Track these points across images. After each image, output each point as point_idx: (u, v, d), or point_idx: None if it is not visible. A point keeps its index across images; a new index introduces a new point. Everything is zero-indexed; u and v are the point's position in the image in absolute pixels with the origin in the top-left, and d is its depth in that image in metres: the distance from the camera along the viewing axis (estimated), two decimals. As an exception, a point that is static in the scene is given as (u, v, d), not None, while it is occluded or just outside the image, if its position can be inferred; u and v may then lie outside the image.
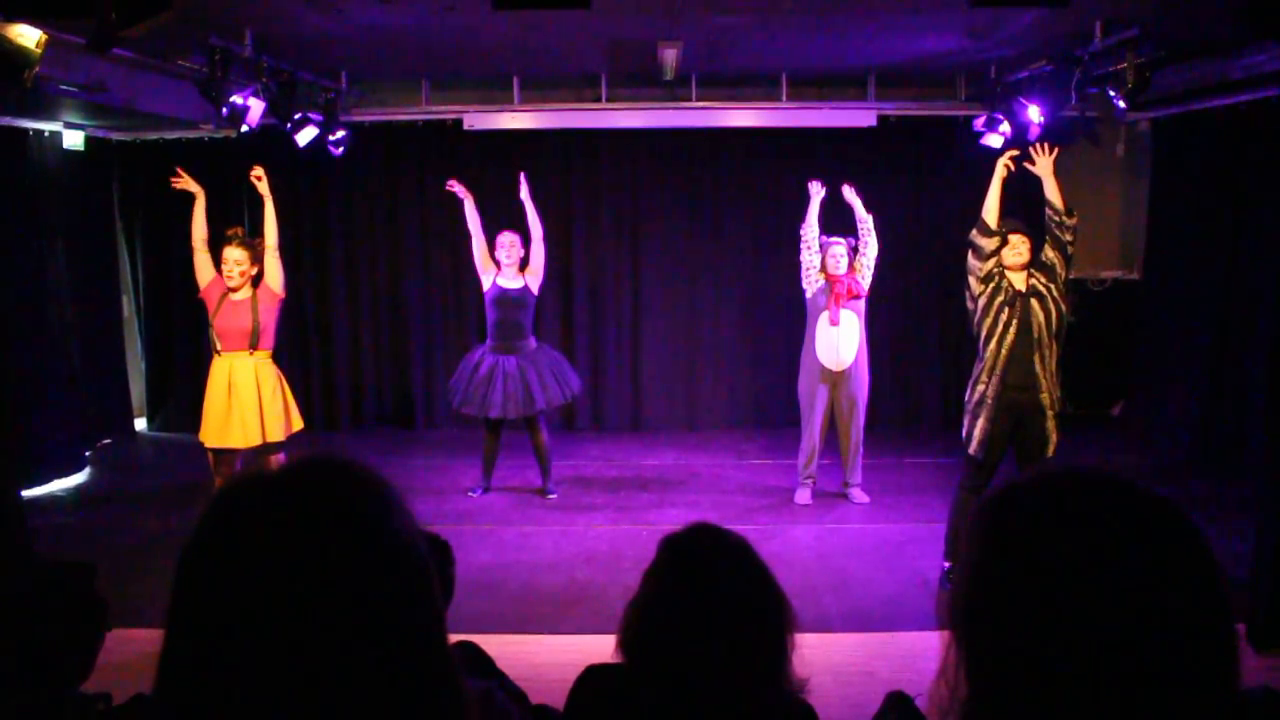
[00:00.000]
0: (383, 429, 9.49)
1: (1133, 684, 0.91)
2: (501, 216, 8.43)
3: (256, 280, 5.72)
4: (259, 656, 0.90)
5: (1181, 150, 8.31)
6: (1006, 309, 5.16)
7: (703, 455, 8.41)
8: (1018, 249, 5.20)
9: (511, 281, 6.89)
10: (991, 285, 5.22)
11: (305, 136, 7.51)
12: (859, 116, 8.68)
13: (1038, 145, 5.43)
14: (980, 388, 5.25)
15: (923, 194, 9.12)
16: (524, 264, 6.95)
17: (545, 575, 5.81)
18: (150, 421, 9.64)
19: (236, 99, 6.20)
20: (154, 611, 0.96)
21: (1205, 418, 7.84)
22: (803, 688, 1.93)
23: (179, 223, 9.14)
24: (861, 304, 6.74)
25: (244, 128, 6.50)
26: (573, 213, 9.16)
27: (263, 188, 5.93)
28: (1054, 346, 5.20)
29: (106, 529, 6.70)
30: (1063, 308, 5.19)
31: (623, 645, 1.93)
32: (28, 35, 4.45)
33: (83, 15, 4.39)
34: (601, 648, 2.05)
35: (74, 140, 8.52)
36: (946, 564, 5.53)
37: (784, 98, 8.62)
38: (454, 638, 2.30)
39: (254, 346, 5.65)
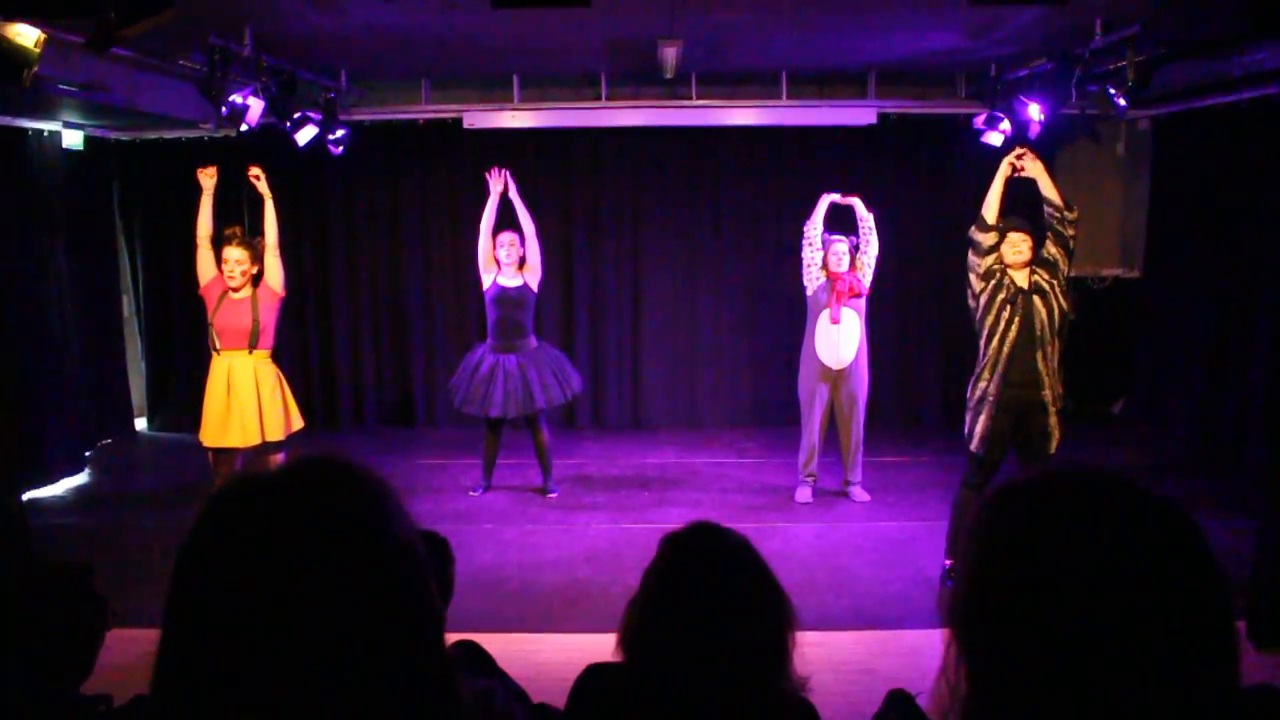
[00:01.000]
0: (383, 428, 9.49)
1: (1133, 682, 0.91)
2: (502, 216, 8.44)
3: (256, 280, 5.72)
4: (255, 656, 0.90)
5: (1182, 148, 8.31)
6: (1009, 306, 5.16)
7: (703, 453, 8.41)
8: (1018, 246, 5.19)
9: (511, 280, 6.88)
10: (993, 282, 5.21)
11: (305, 136, 7.51)
12: (859, 115, 8.68)
13: (1023, 152, 5.42)
14: (982, 385, 5.25)
15: (923, 192, 9.11)
16: (522, 262, 6.94)
17: (546, 574, 5.81)
18: (150, 421, 9.64)
19: (236, 98, 6.20)
20: (155, 612, 0.96)
21: (1205, 416, 7.85)
22: (803, 686, 1.93)
23: (179, 222, 9.19)
24: (862, 302, 6.73)
25: (244, 127, 6.50)
26: (573, 211, 9.16)
27: (261, 186, 5.93)
28: (1056, 344, 5.19)
29: (107, 529, 6.70)
30: (1064, 305, 5.19)
31: (623, 644, 1.93)
32: (27, 34, 4.44)
33: (82, 14, 4.39)
34: (602, 646, 2.05)
35: (74, 140, 8.52)
36: (948, 561, 5.53)
37: (784, 96, 8.62)
38: (455, 636, 2.30)
39: (253, 346, 5.64)
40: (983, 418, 5.23)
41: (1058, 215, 5.23)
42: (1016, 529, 1.00)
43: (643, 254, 9.30)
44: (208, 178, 5.85)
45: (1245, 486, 6.90)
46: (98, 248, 8.99)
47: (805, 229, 6.80)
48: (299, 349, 9.40)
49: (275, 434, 5.66)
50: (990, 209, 5.35)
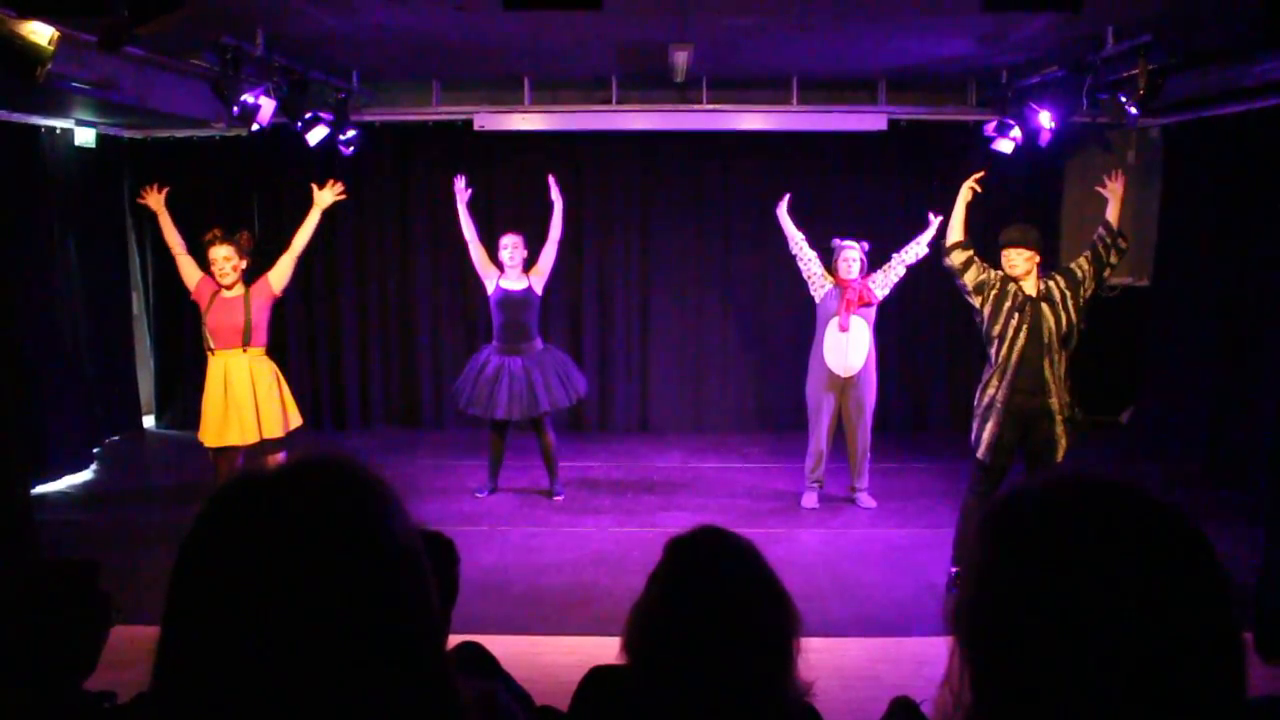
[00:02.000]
0: (390, 429, 9.50)
1: (1138, 693, 0.90)
2: (510, 217, 8.47)
3: (250, 277, 5.73)
4: (253, 655, 0.90)
5: (1193, 157, 8.29)
6: (1016, 314, 5.16)
7: (710, 458, 8.41)
8: (1012, 260, 5.21)
9: (515, 283, 6.87)
10: (993, 292, 5.22)
11: (316, 136, 7.53)
12: (869, 120, 8.67)
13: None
14: (990, 392, 5.25)
15: (933, 198, 9.05)
16: (527, 265, 6.94)
17: (551, 576, 5.81)
18: (159, 419, 9.67)
19: (248, 98, 6.21)
20: (160, 609, 0.96)
21: (1215, 425, 7.82)
22: (808, 692, 1.93)
23: (189, 221, 9.21)
24: (872, 311, 6.72)
25: (255, 127, 6.52)
26: (582, 214, 9.16)
27: (326, 197, 6.00)
28: (1063, 353, 5.19)
29: (114, 526, 6.71)
30: (1074, 317, 5.18)
31: (627, 647, 1.93)
32: (41, 32, 4.46)
33: (95, 13, 4.41)
34: (606, 649, 2.04)
35: (85, 137, 8.55)
36: (954, 569, 5.52)
37: (794, 101, 8.62)
38: (459, 638, 2.30)
39: (246, 344, 5.67)
40: (990, 425, 5.23)
41: (1108, 240, 5.24)
42: (1021, 536, 0.99)
43: (651, 257, 9.30)
44: (155, 198, 5.89)
45: (1254, 496, 6.87)
46: (108, 245, 9.02)
47: (789, 247, 6.85)
48: (307, 349, 9.43)
49: (274, 431, 5.68)
50: (954, 232, 5.44)
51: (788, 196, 7.00)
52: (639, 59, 7.39)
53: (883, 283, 6.75)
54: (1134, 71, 5.95)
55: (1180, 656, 0.91)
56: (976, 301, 5.27)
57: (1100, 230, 5.30)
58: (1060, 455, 5.21)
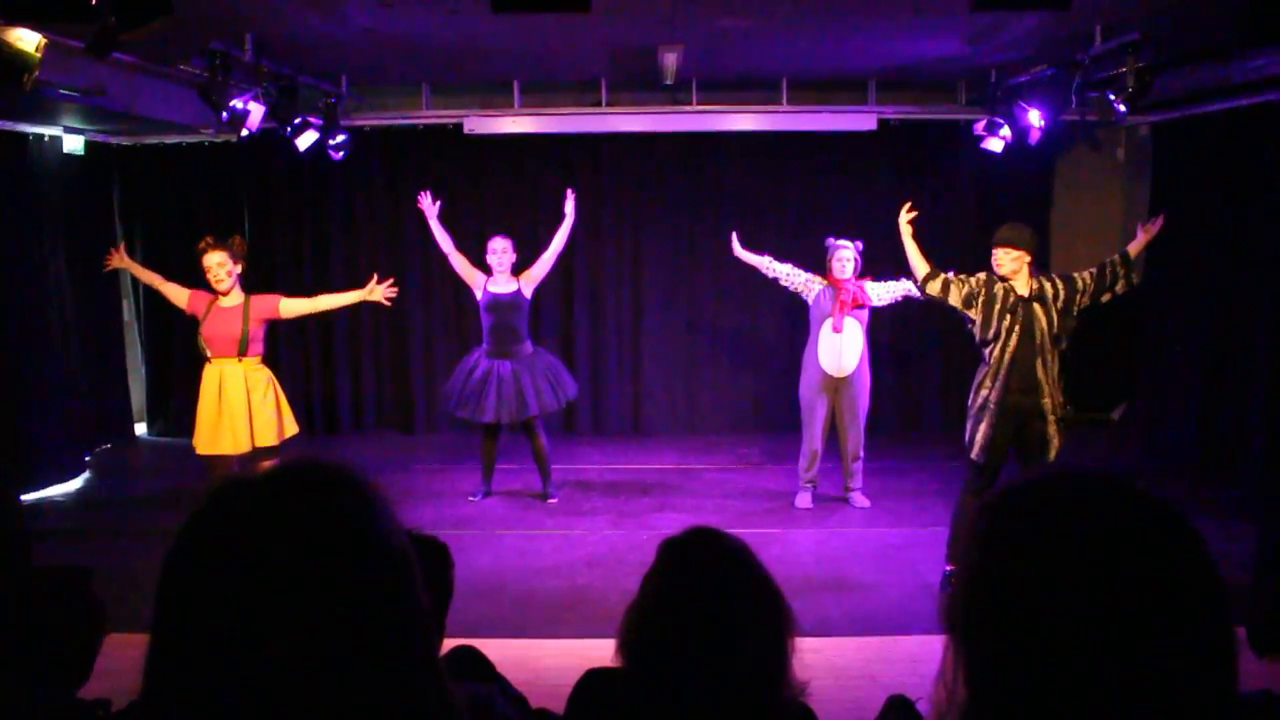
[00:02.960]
0: (383, 433, 9.49)
1: (1130, 688, 0.91)
2: (500, 220, 8.47)
3: (251, 287, 5.71)
4: (241, 660, 0.90)
5: (1182, 154, 8.31)
6: (1009, 315, 5.17)
7: (703, 459, 8.41)
8: (999, 259, 5.23)
9: (503, 286, 6.87)
10: (982, 298, 5.24)
11: (306, 141, 7.51)
12: (859, 120, 8.68)
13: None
14: (983, 393, 5.26)
15: (923, 198, 9.05)
16: (519, 268, 6.94)
17: (546, 579, 5.81)
18: (150, 426, 9.64)
19: (237, 103, 6.20)
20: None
21: (1206, 421, 7.84)
22: (803, 691, 1.93)
23: (179, 227, 9.22)
24: (865, 312, 6.72)
25: (244, 132, 6.51)
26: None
27: (378, 293, 6.22)
28: (1055, 353, 5.20)
29: (106, 533, 6.68)
30: (1064, 321, 5.20)
31: (623, 649, 1.93)
32: (28, 39, 4.45)
33: (83, 19, 4.39)
34: (602, 652, 2.04)
35: (74, 145, 8.53)
36: (948, 567, 5.53)
37: (784, 101, 8.63)
38: (454, 642, 2.30)
39: (243, 353, 5.66)
40: (983, 425, 5.24)
41: (1120, 270, 5.26)
42: (1015, 534, 1.00)
43: (643, 259, 9.30)
44: (118, 258, 6.01)
45: (1246, 492, 6.90)
46: (98, 252, 8.92)
47: (763, 275, 6.95)
48: (299, 354, 9.41)
49: (267, 440, 5.67)
50: (916, 268, 5.53)
51: (734, 235, 7.06)
52: (629, 61, 7.39)
53: (880, 293, 6.73)
54: (1122, 69, 5.97)
55: (1173, 651, 0.91)
56: (971, 314, 5.28)
57: (1116, 257, 5.32)
58: (1053, 454, 5.22)
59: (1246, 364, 7.38)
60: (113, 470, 8.45)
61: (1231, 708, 0.94)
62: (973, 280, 5.32)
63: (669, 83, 7.67)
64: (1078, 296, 5.22)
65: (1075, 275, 5.29)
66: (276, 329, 9.18)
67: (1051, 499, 1.00)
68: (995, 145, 7.86)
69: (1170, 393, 8.38)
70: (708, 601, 1.84)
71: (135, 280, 9.47)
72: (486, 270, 6.91)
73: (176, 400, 9.47)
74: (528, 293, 6.92)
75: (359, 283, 9.28)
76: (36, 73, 4.51)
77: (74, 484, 7.96)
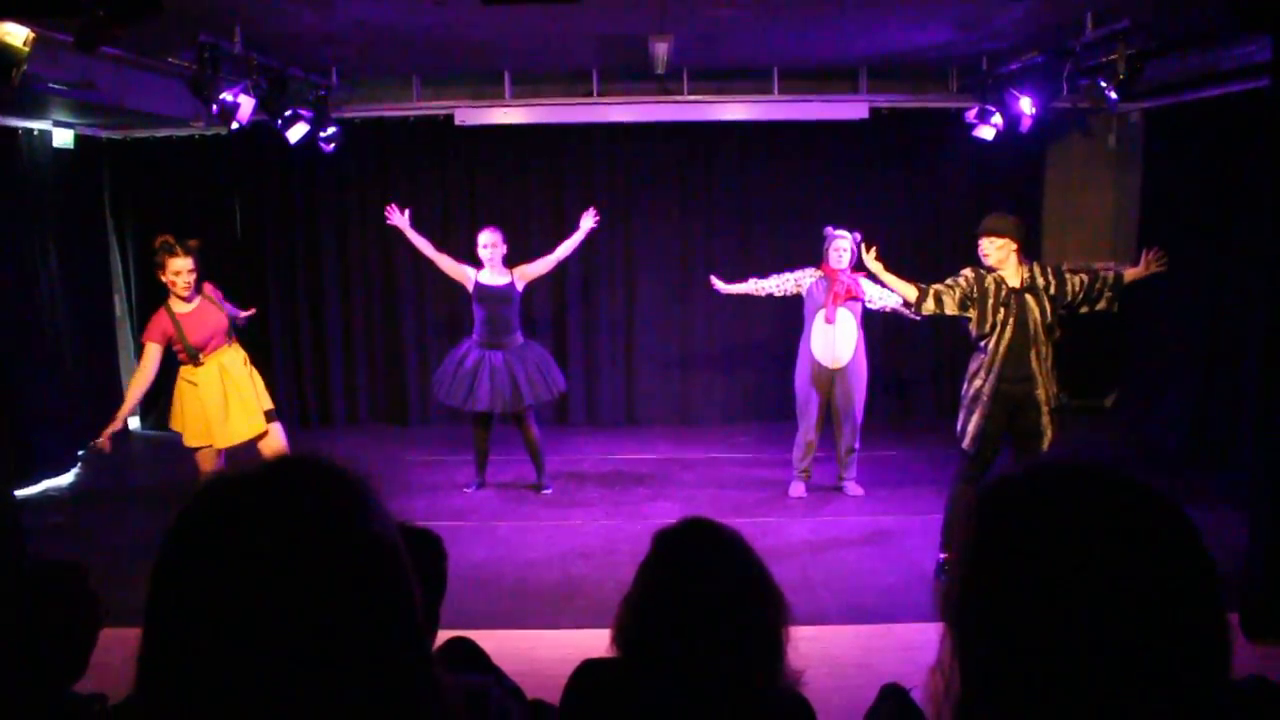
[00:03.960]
0: (377, 425, 9.48)
1: (1125, 674, 0.91)
2: (492, 212, 8.47)
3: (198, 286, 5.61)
4: (233, 654, 0.90)
5: (1174, 141, 8.32)
6: (1003, 308, 5.17)
7: (697, 449, 8.42)
8: (984, 249, 5.22)
9: (496, 278, 6.86)
10: (975, 296, 5.24)
11: (296, 133, 7.49)
12: (851, 109, 8.68)
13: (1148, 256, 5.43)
14: (976, 383, 5.27)
15: (915, 186, 9.13)
16: (509, 260, 6.94)
17: (540, 570, 5.82)
18: (143, 420, 9.61)
19: (227, 96, 6.18)
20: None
21: (1198, 408, 7.87)
22: (798, 680, 1.94)
23: (170, 221, 9.17)
24: (859, 304, 6.71)
25: (234, 125, 6.47)
26: (565, 207, 9.14)
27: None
28: (1049, 342, 5.21)
29: (99, 528, 6.68)
30: (1056, 311, 5.22)
31: (617, 639, 1.94)
32: (15, 34, 4.43)
33: (71, 13, 4.37)
34: (597, 642, 2.05)
35: (64, 138, 8.49)
36: (942, 555, 5.54)
37: (776, 91, 8.62)
38: (450, 634, 2.30)
39: (231, 336, 5.70)
40: (976, 416, 5.25)
41: (1109, 292, 5.28)
42: (1008, 523, 1.00)
43: (635, 249, 9.30)
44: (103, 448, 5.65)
45: (1238, 478, 6.92)
46: (89, 247, 8.96)
47: (755, 295, 6.93)
48: (291, 347, 9.40)
49: (267, 403, 5.79)
50: (905, 293, 5.50)
51: (712, 278, 7.07)
52: (619, 51, 7.38)
53: (875, 294, 6.68)
54: (1113, 57, 5.97)
55: (1166, 638, 0.92)
56: (971, 314, 5.27)
57: (1109, 276, 5.31)
58: (1046, 444, 5.24)
59: (1238, 350, 7.40)
60: (105, 464, 8.41)
61: (1225, 693, 0.94)
62: (962, 281, 5.31)
63: (660, 72, 7.65)
64: (1065, 298, 5.24)
65: (1068, 276, 5.27)
66: (267, 321, 9.24)
67: (1044, 488, 1.01)
68: (987, 133, 7.86)
69: (1161, 381, 8.41)
70: (702, 592, 1.85)
71: (127, 274, 9.46)
72: (476, 263, 6.89)
73: (169, 395, 9.41)
74: (520, 286, 6.93)
75: (351, 275, 9.37)
76: (25, 67, 4.50)
77: (67, 478, 7.95)
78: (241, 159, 9.03)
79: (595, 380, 9.41)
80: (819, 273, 6.74)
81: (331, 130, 7.98)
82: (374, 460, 7.87)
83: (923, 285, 5.42)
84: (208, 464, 5.70)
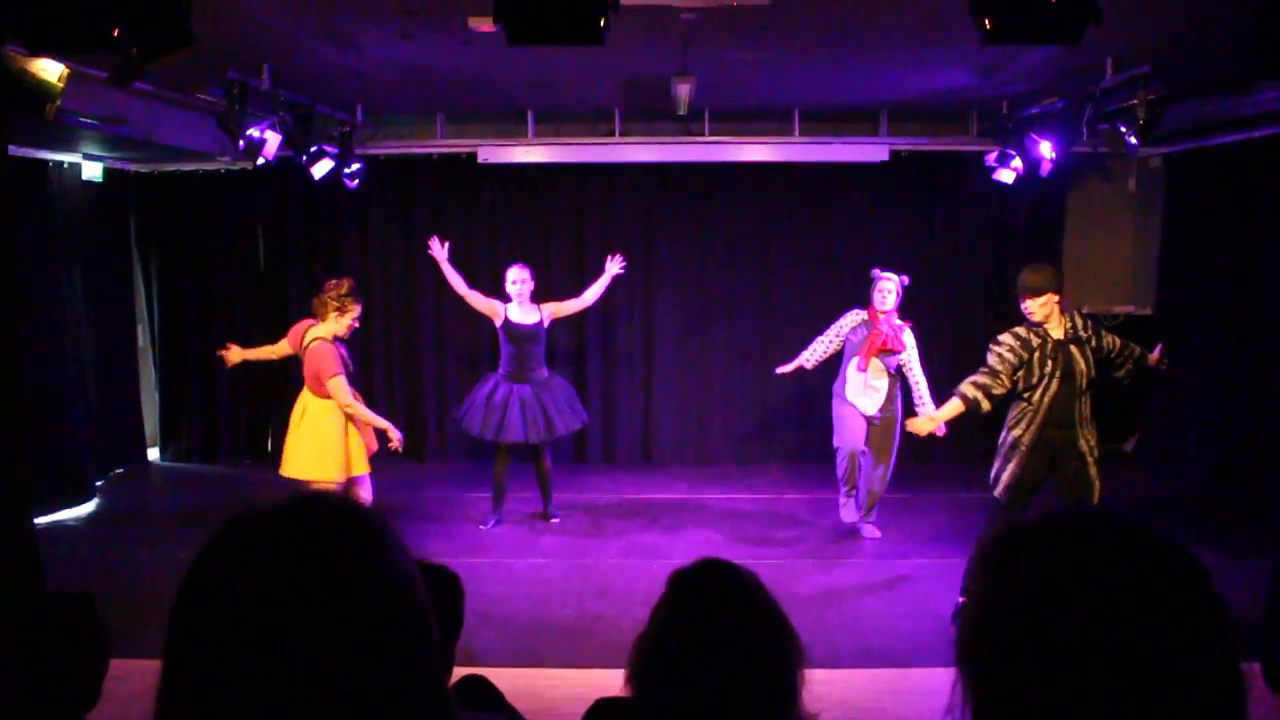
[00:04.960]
0: (394, 461, 9.47)
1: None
2: (514, 249, 8.53)
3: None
4: (251, 690, 0.91)
5: (1194, 185, 8.32)
6: (1049, 361, 5.12)
7: (714, 488, 8.39)
8: (1030, 309, 5.15)
9: (524, 316, 6.94)
10: (1024, 357, 5.15)
11: (321, 169, 7.57)
12: (871, 152, 8.71)
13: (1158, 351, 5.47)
14: (1016, 432, 5.21)
15: (935, 229, 9.14)
16: (537, 296, 7.05)
17: (556, 608, 5.80)
18: (163, 452, 9.67)
19: (253, 132, 6.27)
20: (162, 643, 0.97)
21: (1220, 453, 7.80)
22: (812, 724, 1.92)
23: (195, 254, 9.30)
24: (894, 359, 6.55)
25: (260, 160, 6.57)
26: (586, 245, 9.20)
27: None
28: (1090, 393, 5.18)
29: (117, 559, 6.70)
30: (1096, 361, 5.22)
31: (632, 679, 1.93)
32: (51, 70, 4.51)
33: (105, 50, 4.45)
34: (611, 682, 2.04)
35: (93, 172, 8.62)
36: (961, 599, 5.49)
37: (796, 133, 8.67)
38: (464, 671, 2.30)
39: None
40: (1012, 465, 5.19)
41: (1131, 363, 5.32)
42: (1021, 571, 1.00)
43: (655, 288, 9.32)
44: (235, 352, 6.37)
45: (1261, 522, 6.84)
46: (114, 278, 9.06)
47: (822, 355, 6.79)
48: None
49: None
50: (955, 411, 5.46)
51: (776, 370, 7.08)
52: (642, 92, 7.44)
53: (909, 356, 6.60)
54: (1133, 101, 5.98)
55: (1178, 688, 0.91)
56: (1020, 376, 5.19)
57: (1137, 351, 5.36)
58: (1096, 497, 5.15)
59: (1259, 395, 7.35)
60: (125, 495, 8.47)
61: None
62: (1008, 355, 5.17)
63: (682, 113, 7.71)
64: (1103, 352, 5.25)
65: (1104, 332, 5.30)
66: (289, 360, 9.28)
67: (1057, 536, 1.00)
68: (1007, 177, 7.87)
69: (1182, 425, 8.35)
70: (717, 633, 1.84)
71: (150, 305, 9.55)
72: (505, 298, 6.97)
73: (190, 426, 9.52)
74: (547, 323, 7.03)
75: (372, 310, 9.40)
76: (59, 102, 4.57)
77: (86, 508, 7.98)
78: (266, 194, 9.13)
79: (613, 418, 9.41)
80: (863, 315, 6.63)
81: (356, 166, 8.07)
82: (391, 495, 7.88)
83: (961, 392, 5.34)
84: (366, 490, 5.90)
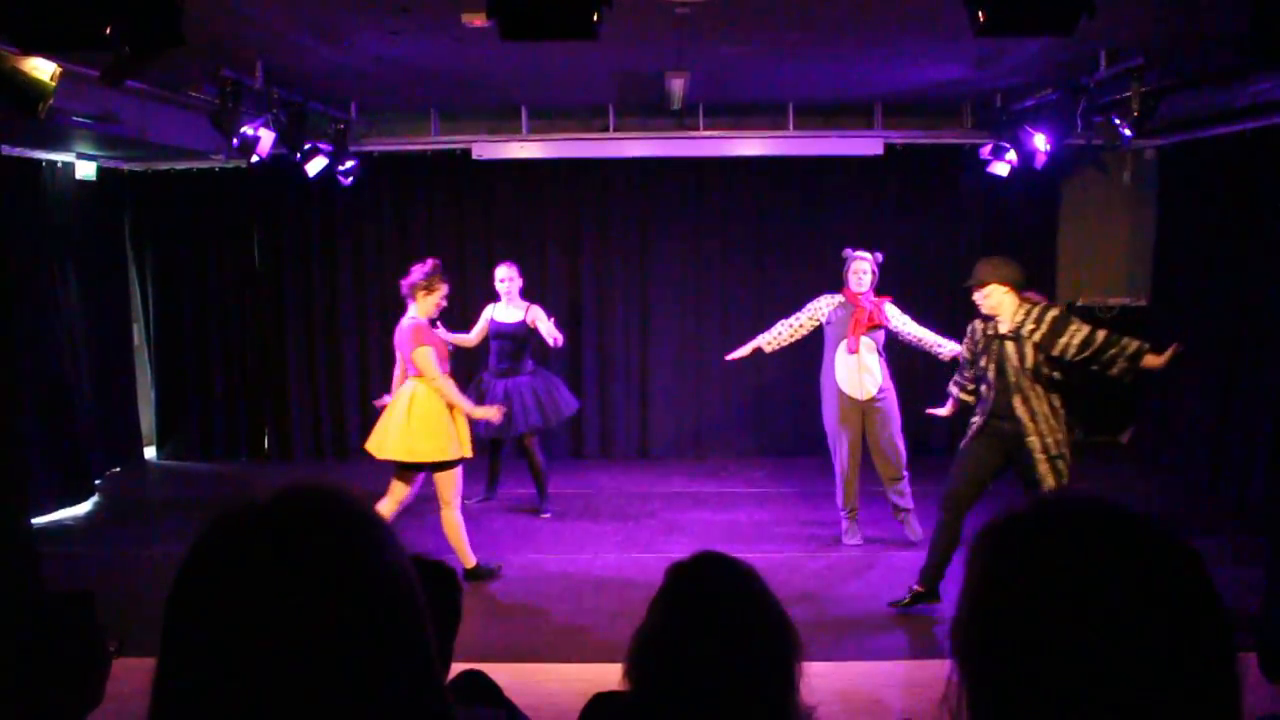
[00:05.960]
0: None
1: (1131, 712, 0.91)
2: (508, 246, 8.53)
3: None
4: (246, 685, 0.91)
5: (1188, 177, 8.33)
6: (985, 354, 5.25)
7: (710, 483, 8.40)
8: (976, 300, 5.20)
9: (510, 314, 7.15)
10: (973, 348, 5.40)
11: (315, 167, 7.57)
12: (865, 145, 8.72)
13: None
14: (974, 418, 5.40)
15: (929, 222, 9.14)
16: (529, 294, 7.27)
17: (553, 603, 5.80)
18: (159, 450, 9.66)
19: (247, 129, 6.25)
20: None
21: (1214, 443, 7.82)
22: (810, 716, 1.93)
23: (189, 252, 9.28)
24: (881, 332, 6.48)
25: (254, 158, 6.56)
26: (581, 241, 9.20)
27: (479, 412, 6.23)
28: (1038, 388, 5.08)
29: (115, 558, 6.70)
30: (1040, 357, 5.05)
31: (630, 673, 1.93)
32: (43, 69, 4.50)
33: (98, 48, 4.44)
34: (609, 676, 2.04)
35: (86, 171, 8.60)
36: (917, 587, 5.47)
37: (790, 126, 8.67)
38: (462, 666, 2.31)
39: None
40: (963, 442, 5.45)
41: (1125, 361, 5.03)
42: (1013, 558, 1.00)
43: (650, 283, 9.33)
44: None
45: (1256, 512, 6.87)
46: (109, 277, 9.05)
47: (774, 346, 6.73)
48: (307, 378, 9.43)
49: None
50: (962, 392, 5.68)
51: (725, 356, 7.09)
52: (636, 87, 7.44)
53: (901, 322, 6.51)
54: (1127, 93, 5.99)
55: (1174, 677, 0.91)
56: (978, 369, 5.37)
57: (1132, 350, 5.03)
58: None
59: (1254, 385, 7.36)
60: (122, 494, 8.46)
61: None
62: (965, 346, 5.53)
63: (676, 108, 7.72)
64: (1054, 350, 5.02)
65: (1072, 328, 5.03)
66: (284, 352, 9.30)
67: (1049, 524, 1.01)
68: (1001, 169, 7.89)
69: (1178, 416, 8.36)
70: (714, 626, 1.85)
71: (145, 304, 9.54)
72: (493, 297, 7.19)
73: (186, 424, 9.51)
74: (531, 322, 7.16)
75: (367, 307, 9.41)
76: (51, 101, 4.56)
77: (83, 507, 7.97)
78: (261, 192, 9.11)
79: (609, 413, 9.41)
80: (839, 298, 6.49)
81: (350, 164, 8.06)
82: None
83: (949, 390, 5.85)
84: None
